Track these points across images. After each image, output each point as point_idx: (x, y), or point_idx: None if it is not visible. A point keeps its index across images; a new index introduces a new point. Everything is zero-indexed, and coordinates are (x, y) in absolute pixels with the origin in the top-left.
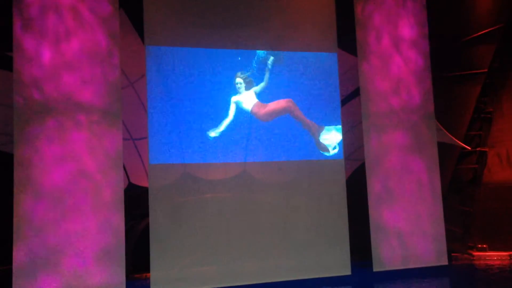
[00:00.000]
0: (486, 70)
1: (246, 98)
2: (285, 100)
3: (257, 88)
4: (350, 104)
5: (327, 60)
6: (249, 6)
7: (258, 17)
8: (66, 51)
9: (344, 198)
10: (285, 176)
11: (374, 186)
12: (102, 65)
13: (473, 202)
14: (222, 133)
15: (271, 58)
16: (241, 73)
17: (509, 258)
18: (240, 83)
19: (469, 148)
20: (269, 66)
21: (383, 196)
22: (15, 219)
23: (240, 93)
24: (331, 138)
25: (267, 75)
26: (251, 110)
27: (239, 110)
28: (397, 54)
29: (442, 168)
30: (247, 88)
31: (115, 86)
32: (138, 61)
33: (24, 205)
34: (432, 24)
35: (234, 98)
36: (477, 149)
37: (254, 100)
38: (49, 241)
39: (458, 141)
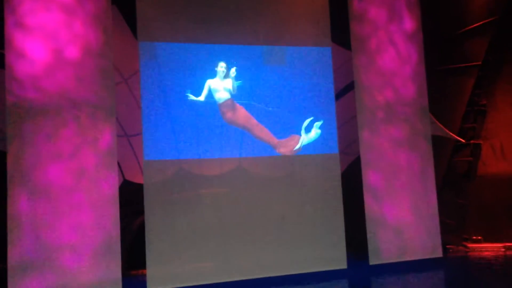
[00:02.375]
0: (480, 63)
1: (221, 89)
2: (252, 122)
3: (233, 84)
4: (345, 98)
5: (321, 55)
6: (242, 0)
7: (252, 11)
8: (58, 48)
9: (339, 192)
10: (280, 171)
11: (369, 180)
12: (95, 62)
13: (468, 194)
14: (218, 129)
15: (234, 68)
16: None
17: (503, 249)
18: (223, 67)
19: (463, 141)
20: (231, 76)
21: (378, 189)
22: (9, 217)
23: (219, 78)
24: (291, 145)
25: (234, 85)
26: (219, 104)
27: (210, 95)
28: (391, 48)
29: (437, 161)
30: (226, 77)
31: (108, 83)
32: (132, 57)
33: (18, 202)
34: (426, 18)
35: (210, 82)
36: (471, 141)
37: (227, 95)
38: (44, 239)
39: (452, 134)
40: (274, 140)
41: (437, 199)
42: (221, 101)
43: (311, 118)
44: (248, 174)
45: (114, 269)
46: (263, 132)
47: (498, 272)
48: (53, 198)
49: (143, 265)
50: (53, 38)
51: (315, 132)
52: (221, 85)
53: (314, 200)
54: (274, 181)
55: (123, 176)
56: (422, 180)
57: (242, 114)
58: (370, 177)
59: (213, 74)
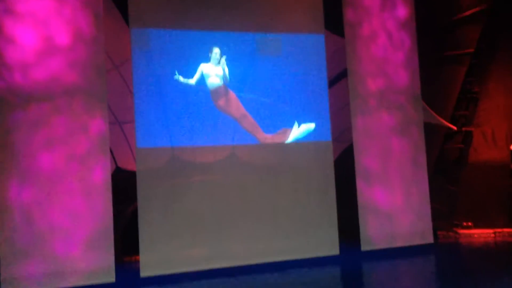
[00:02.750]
0: (472, 50)
1: (213, 74)
2: (241, 112)
3: (224, 73)
4: (338, 85)
5: (314, 42)
6: None
7: None
8: (49, 35)
9: (332, 179)
10: (273, 159)
11: (361, 167)
12: (86, 49)
13: (459, 181)
14: (210, 116)
15: (224, 57)
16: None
17: (493, 235)
18: (216, 54)
19: (455, 128)
20: (223, 66)
21: (370, 176)
22: (0, 205)
23: (212, 63)
24: (280, 139)
25: (225, 73)
26: (211, 91)
27: (203, 81)
28: (385, 35)
29: (429, 148)
30: (219, 63)
31: (100, 70)
32: (123, 44)
33: (10, 190)
34: (419, 5)
35: (203, 67)
36: (463, 129)
37: (219, 82)
38: (36, 226)
39: (444, 121)
40: (262, 134)
41: (428, 186)
42: (212, 87)
43: (312, 128)
44: (241, 162)
45: (107, 256)
46: (251, 125)
47: (488, 258)
48: (44, 185)
49: (136, 252)
50: (44, 24)
51: (307, 127)
52: (213, 70)
53: (307, 187)
54: (267, 168)
55: (115, 163)
56: (414, 167)
57: (233, 103)
58: (363, 164)
59: (205, 61)
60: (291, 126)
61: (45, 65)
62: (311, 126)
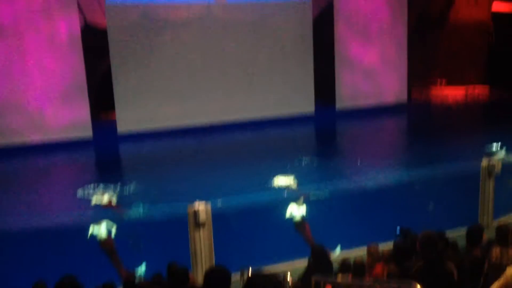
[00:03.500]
0: None
1: None
2: None
3: None
4: None
5: None
6: None
7: None
8: None
9: (310, 38)
10: (251, 17)
11: (340, 27)
12: None
13: (438, 40)
14: None
15: None
16: None
17: (465, 92)
18: None
19: None
20: None
21: (349, 36)
22: None
23: None
24: None
25: None
26: None
27: None
28: None
29: (410, 7)
30: None
31: None
32: None
33: None
34: None
35: None
36: None
37: None
38: (8, 81)
39: None
40: None
41: (407, 44)
42: None
43: None
44: (218, 20)
45: (82, 112)
46: None
47: (459, 113)
48: (11, 41)
49: (112, 109)
50: None
51: None
52: None
53: (285, 47)
54: (245, 27)
55: (84, 19)
56: (394, 26)
57: None
58: (342, 24)
59: None
60: None
61: None
62: None
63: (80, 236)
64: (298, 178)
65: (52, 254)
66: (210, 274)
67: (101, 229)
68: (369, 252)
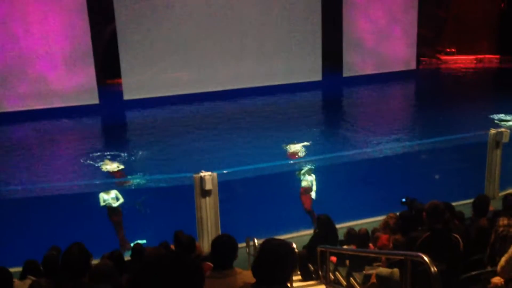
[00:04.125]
0: None
1: None
2: None
3: None
4: None
5: None
6: None
7: None
8: None
9: (318, 3)
10: None
11: None
12: None
13: (449, 6)
14: None
15: None
16: None
17: (475, 62)
18: None
19: None
20: None
21: (358, 2)
22: None
23: None
24: None
25: None
26: None
27: None
28: None
29: None
30: None
31: None
32: None
33: None
34: None
35: None
36: None
37: None
38: (13, 48)
39: None
40: None
41: (417, 11)
42: None
43: None
44: None
45: (88, 78)
46: None
47: (467, 83)
48: (15, 5)
49: (118, 75)
50: None
51: None
52: None
53: (293, 13)
54: None
55: None
56: None
57: None
58: None
59: None
60: None
61: None
62: None
63: (85, 204)
64: (307, 146)
65: (57, 221)
66: (217, 241)
67: (110, 199)
68: (386, 222)
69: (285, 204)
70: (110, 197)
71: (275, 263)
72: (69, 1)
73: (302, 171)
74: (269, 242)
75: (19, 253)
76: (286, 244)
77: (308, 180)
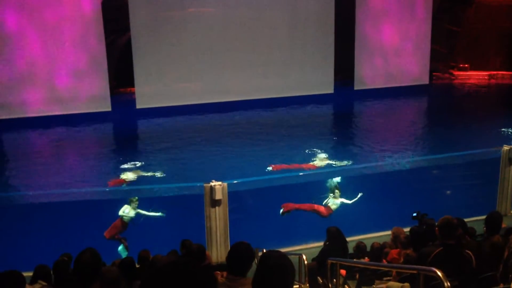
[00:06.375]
0: None
1: None
2: None
3: None
4: None
5: None
6: None
7: None
8: None
9: (331, 17)
10: None
11: (363, 5)
12: None
13: (462, 21)
14: None
15: None
16: None
17: (487, 77)
18: None
19: None
20: None
21: (371, 15)
22: None
23: None
24: None
25: None
26: None
27: None
28: None
29: None
30: None
31: None
32: None
33: (6, 20)
34: None
35: None
36: None
37: None
38: (29, 55)
39: None
40: None
41: (431, 26)
42: None
43: None
44: None
45: (102, 86)
46: None
47: (479, 99)
48: (34, 14)
49: (131, 84)
50: None
51: None
52: None
53: (305, 25)
54: (266, 2)
55: None
56: (418, 5)
57: None
58: (365, 2)
59: None
60: None
61: None
62: None
63: (98, 211)
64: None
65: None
66: (236, 248)
67: (128, 215)
68: (394, 235)
69: (295, 215)
70: (130, 215)
71: (273, 275)
72: (85, 10)
73: (333, 196)
74: (267, 254)
75: (30, 258)
76: (284, 257)
77: (337, 203)
